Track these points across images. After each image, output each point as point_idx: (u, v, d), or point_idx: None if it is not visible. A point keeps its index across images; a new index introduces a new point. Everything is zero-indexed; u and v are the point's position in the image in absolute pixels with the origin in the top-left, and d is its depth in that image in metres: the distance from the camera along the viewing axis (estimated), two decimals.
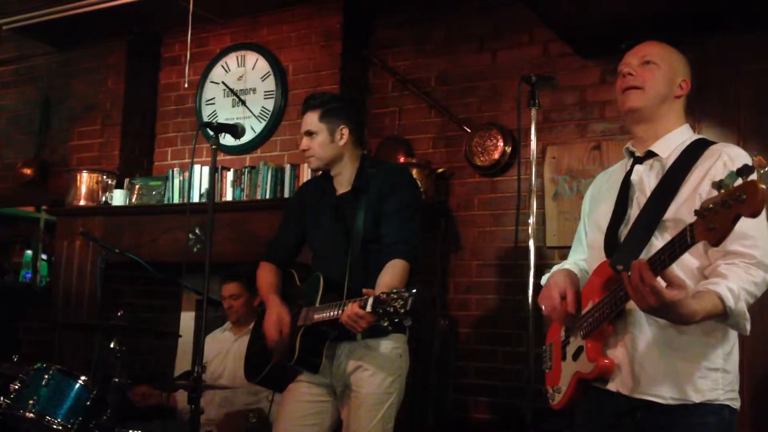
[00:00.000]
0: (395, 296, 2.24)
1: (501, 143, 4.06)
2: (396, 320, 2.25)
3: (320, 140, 2.72)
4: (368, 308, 2.30)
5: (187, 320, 5.06)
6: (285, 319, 2.65)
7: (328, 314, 2.51)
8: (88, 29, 4.99)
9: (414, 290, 2.24)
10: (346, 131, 2.73)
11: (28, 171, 5.44)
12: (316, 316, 2.56)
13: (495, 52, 4.25)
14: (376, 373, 2.61)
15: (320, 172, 2.86)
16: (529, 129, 2.57)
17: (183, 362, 4.83)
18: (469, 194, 4.19)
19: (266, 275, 2.86)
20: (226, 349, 3.84)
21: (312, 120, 2.73)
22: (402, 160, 4.19)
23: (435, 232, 4.16)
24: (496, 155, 4.06)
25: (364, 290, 2.38)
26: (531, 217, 2.48)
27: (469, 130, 4.17)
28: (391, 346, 2.64)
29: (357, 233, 2.65)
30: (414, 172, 4.04)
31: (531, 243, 2.47)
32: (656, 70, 1.97)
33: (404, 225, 2.64)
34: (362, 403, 2.59)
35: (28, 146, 5.58)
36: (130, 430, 2.98)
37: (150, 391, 3.82)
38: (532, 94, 2.49)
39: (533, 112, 2.49)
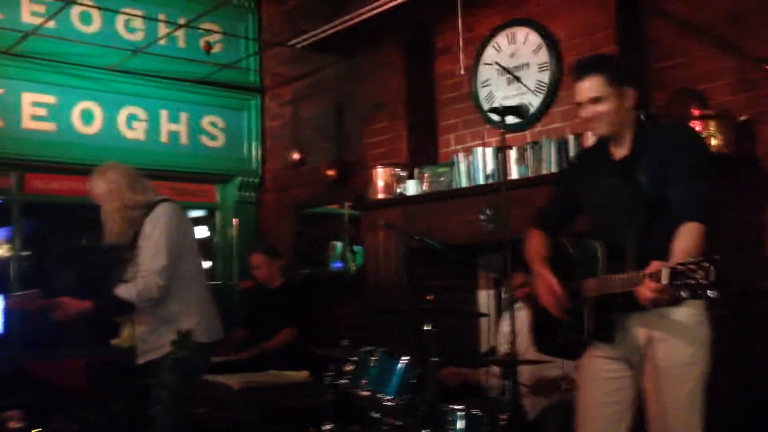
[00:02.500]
0: (694, 266, 2.07)
1: None
2: (698, 293, 2.08)
3: (611, 106, 2.57)
4: (664, 281, 2.16)
5: (484, 298, 5.23)
6: (557, 290, 2.60)
7: (618, 285, 2.40)
8: (367, 34, 5.35)
9: (716, 258, 2.05)
10: (633, 94, 2.60)
11: (331, 172, 6.00)
12: (603, 287, 2.47)
13: None
14: (675, 344, 2.47)
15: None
16: None
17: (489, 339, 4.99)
18: None
19: (534, 244, 2.81)
20: (525, 326, 3.90)
21: (598, 85, 2.58)
22: (696, 113, 3.89)
23: (743, 185, 3.80)
24: None
25: (655, 262, 2.23)
26: None
27: None
28: (687, 313, 2.48)
29: (641, 197, 2.51)
30: (712, 124, 3.74)
31: None
32: None
33: (693, 186, 2.44)
34: (664, 377, 2.46)
35: (328, 150, 6.16)
36: (451, 405, 3.15)
37: (457, 371, 4.02)
38: None
39: None
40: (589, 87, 2.59)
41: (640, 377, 2.57)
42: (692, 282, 2.07)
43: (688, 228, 2.38)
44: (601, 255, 2.51)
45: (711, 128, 3.72)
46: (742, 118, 3.82)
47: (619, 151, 2.64)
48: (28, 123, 5.72)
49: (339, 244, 6.41)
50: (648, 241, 2.46)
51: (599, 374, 2.62)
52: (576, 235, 2.82)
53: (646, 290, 2.24)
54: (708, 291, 2.06)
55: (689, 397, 2.47)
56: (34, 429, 3.52)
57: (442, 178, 4.92)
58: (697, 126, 3.74)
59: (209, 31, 6.34)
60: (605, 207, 2.65)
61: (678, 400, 2.46)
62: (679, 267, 2.11)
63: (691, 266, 2.08)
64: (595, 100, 2.58)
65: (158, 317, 3.37)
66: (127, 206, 3.45)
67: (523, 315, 3.82)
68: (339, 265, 6.37)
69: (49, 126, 5.81)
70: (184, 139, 6.46)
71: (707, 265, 2.06)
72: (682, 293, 2.12)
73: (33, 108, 5.75)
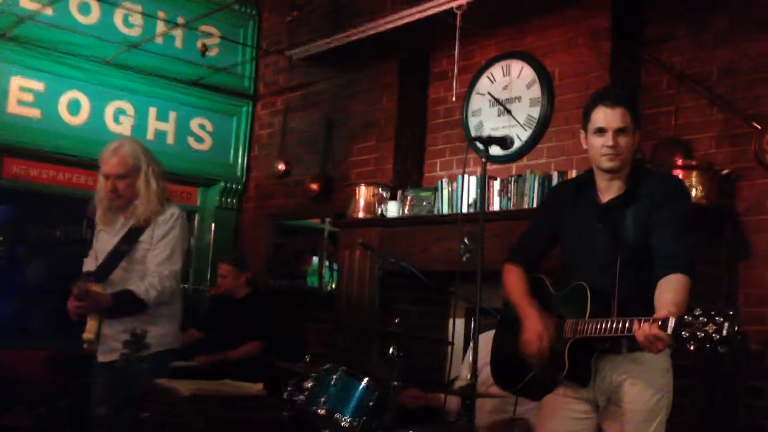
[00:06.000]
0: (705, 319, 2.03)
1: None
2: (707, 346, 2.03)
3: (630, 140, 2.60)
4: (669, 330, 2.14)
5: (458, 327, 5.18)
6: (546, 335, 2.56)
7: (609, 329, 2.35)
8: (365, 53, 5.34)
9: (731, 312, 2.02)
10: (639, 139, 2.68)
11: (314, 186, 5.97)
12: (591, 330, 2.43)
13: None
14: (645, 388, 2.49)
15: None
16: None
17: (455, 367, 4.94)
18: (761, 197, 3.76)
19: (517, 281, 2.77)
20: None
21: (626, 117, 2.58)
22: (680, 162, 3.89)
23: (720, 238, 3.81)
24: None
25: (663, 310, 2.22)
26: None
27: (759, 127, 3.76)
28: (659, 359, 2.49)
29: (627, 241, 2.51)
30: (694, 174, 3.75)
31: None
32: None
33: (680, 237, 2.45)
34: (631, 420, 2.48)
35: (314, 164, 6.13)
36: (408, 429, 3.10)
37: (420, 394, 3.98)
38: None
39: None
40: (621, 116, 2.58)
41: (602, 420, 2.57)
42: (701, 335, 2.03)
43: (675, 279, 2.37)
44: (589, 298, 2.47)
45: (693, 178, 3.73)
46: (725, 171, 3.84)
47: (609, 192, 2.63)
48: (13, 107, 5.66)
49: (316, 259, 6.36)
50: (631, 287, 2.48)
51: (564, 413, 2.61)
52: (549, 273, 2.79)
53: (649, 333, 2.19)
54: (719, 346, 2.02)
55: None
56: None
57: (424, 203, 4.90)
58: (679, 174, 3.75)
59: (208, 34, 6.32)
60: (587, 248, 2.63)
61: None
62: (688, 318, 2.08)
63: (702, 319, 2.04)
64: (621, 131, 2.58)
65: (140, 318, 3.21)
66: (157, 197, 3.35)
67: (489, 347, 3.78)
68: (314, 280, 6.31)
69: (34, 112, 5.74)
70: (170, 138, 6.41)
71: (721, 319, 2.02)
72: (689, 345, 2.07)
73: (20, 93, 5.68)
